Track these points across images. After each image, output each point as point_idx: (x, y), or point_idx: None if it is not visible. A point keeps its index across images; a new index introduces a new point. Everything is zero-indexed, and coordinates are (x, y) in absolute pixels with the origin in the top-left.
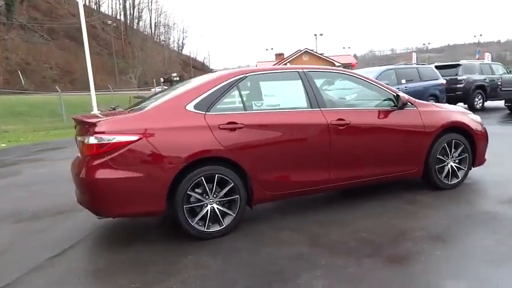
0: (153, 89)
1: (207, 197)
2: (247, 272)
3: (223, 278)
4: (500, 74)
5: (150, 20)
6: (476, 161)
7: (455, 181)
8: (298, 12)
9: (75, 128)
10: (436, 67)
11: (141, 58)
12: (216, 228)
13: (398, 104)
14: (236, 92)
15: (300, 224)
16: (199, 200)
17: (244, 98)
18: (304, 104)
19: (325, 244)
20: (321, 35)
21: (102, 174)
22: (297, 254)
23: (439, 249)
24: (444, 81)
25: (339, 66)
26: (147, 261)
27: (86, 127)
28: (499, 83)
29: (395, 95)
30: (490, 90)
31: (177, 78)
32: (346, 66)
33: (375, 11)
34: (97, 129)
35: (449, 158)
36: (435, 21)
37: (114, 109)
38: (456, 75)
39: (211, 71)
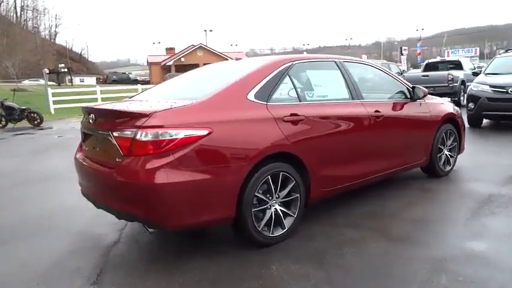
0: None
1: (270, 198)
2: (361, 275)
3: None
4: (396, 72)
5: (15, 2)
6: (461, 149)
7: (448, 168)
8: (184, 6)
9: (90, 121)
10: None
11: (9, 46)
12: (279, 231)
13: (415, 96)
14: (288, 81)
15: (351, 219)
16: (263, 202)
17: (297, 88)
18: (346, 95)
19: (402, 238)
20: (211, 31)
21: (164, 177)
22: (387, 252)
23: (505, 229)
24: None
25: None
26: (228, 277)
27: (121, 120)
28: None
29: (411, 87)
30: None
31: (65, 70)
32: None
33: (256, 11)
34: (150, 122)
35: (445, 147)
36: (308, 24)
37: (3, 103)
38: None
39: (90, 63)
